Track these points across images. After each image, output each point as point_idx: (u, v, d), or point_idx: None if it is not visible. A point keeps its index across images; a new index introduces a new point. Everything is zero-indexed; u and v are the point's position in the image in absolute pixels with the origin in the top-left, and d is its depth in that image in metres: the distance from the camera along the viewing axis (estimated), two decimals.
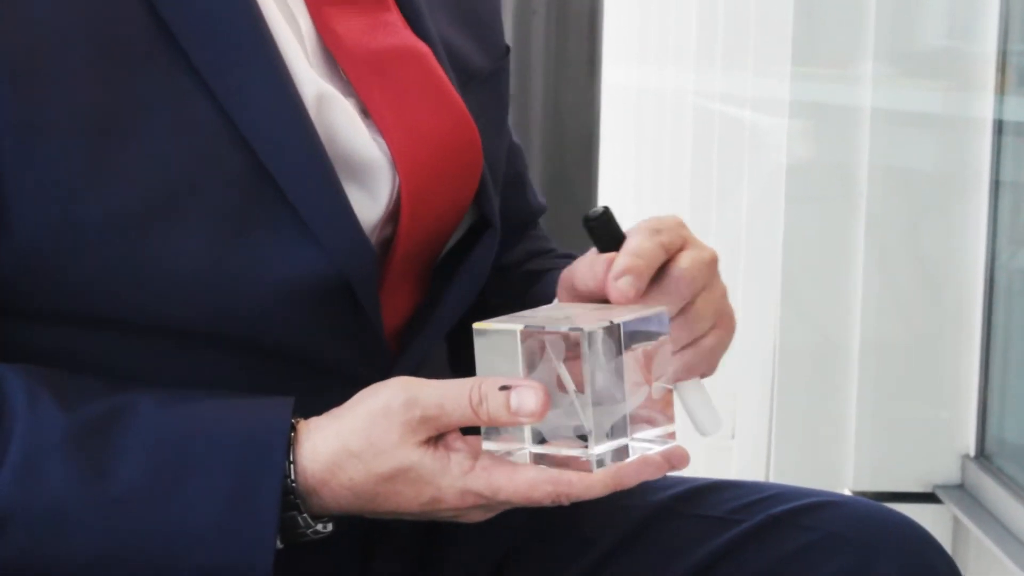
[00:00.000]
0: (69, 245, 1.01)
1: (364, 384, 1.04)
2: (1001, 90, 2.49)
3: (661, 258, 1.09)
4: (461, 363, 1.27)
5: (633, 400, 1.01)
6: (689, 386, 1.12)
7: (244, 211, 1.04)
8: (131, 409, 1.01)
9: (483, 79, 1.24)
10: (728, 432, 2.95)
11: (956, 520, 2.50)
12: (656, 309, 1.04)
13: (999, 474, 2.47)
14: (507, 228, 1.29)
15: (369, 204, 1.10)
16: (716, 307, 1.11)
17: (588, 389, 0.98)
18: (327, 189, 1.07)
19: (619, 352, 0.99)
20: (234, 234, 1.04)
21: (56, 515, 0.99)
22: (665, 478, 1.32)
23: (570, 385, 0.99)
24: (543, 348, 0.99)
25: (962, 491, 2.54)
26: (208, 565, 1.00)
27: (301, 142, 1.06)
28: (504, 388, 0.98)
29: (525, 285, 1.30)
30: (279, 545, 1.02)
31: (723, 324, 1.12)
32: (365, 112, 1.11)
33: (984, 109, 2.50)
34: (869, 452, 2.59)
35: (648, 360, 1.02)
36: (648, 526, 1.24)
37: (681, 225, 1.11)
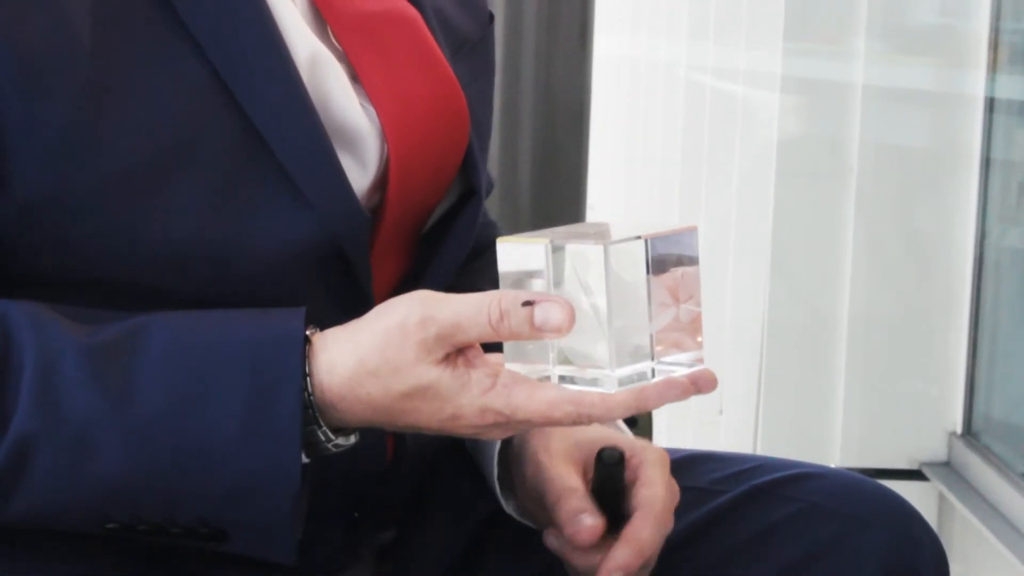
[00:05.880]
0: (65, 208, 1.01)
1: None
2: (993, 68, 2.49)
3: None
4: None
5: (659, 322, 0.97)
6: None
7: (237, 175, 1.04)
8: (142, 330, 1.01)
9: (473, 46, 1.23)
10: (716, 408, 2.95)
11: (942, 497, 2.50)
12: (687, 227, 1.00)
13: (985, 452, 2.47)
14: None
15: (358, 172, 1.10)
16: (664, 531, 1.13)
17: (610, 308, 0.95)
18: (320, 153, 1.06)
19: (646, 271, 0.96)
20: (228, 198, 1.04)
21: (82, 440, 0.99)
22: None
23: (596, 303, 0.95)
24: (566, 265, 0.96)
25: (948, 468, 2.54)
26: (238, 481, 1.00)
27: (294, 105, 1.06)
28: (527, 304, 0.97)
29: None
30: (305, 459, 1.01)
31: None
32: (354, 77, 1.11)
33: (976, 87, 2.50)
34: (856, 428, 2.59)
35: (676, 281, 0.98)
36: None
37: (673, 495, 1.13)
